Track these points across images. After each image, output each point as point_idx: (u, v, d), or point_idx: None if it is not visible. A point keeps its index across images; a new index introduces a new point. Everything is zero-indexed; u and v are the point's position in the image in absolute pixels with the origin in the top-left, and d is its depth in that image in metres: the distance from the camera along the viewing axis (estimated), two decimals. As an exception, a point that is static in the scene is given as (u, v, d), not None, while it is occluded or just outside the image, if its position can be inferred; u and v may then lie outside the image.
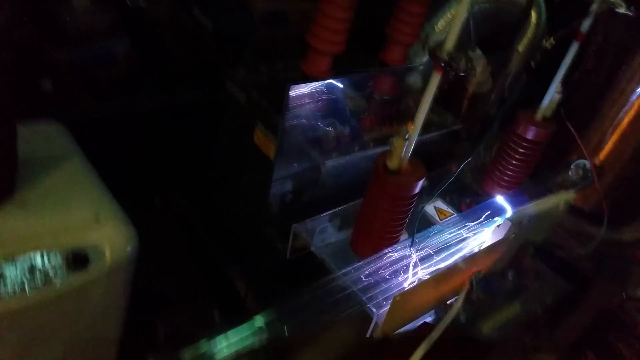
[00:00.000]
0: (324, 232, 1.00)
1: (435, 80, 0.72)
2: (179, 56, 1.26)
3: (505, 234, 0.91)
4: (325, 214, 1.02)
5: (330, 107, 1.19)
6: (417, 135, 0.77)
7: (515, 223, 0.91)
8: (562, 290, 1.11)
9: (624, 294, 1.72)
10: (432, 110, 1.31)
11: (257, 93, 1.16)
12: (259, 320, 0.74)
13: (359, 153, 1.09)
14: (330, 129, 1.09)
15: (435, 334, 0.87)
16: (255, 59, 1.29)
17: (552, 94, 1.05)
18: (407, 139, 0.76)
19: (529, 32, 1.44)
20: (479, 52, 1.40)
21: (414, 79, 1.43)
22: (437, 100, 0.96)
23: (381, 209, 0.83)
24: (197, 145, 1.35)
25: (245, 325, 0.73)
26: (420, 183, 0.82)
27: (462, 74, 0.70)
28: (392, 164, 0.79)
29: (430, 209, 1.10)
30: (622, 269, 1.35)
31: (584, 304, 1.46)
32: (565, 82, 1.05)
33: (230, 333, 0.71)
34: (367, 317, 0.89)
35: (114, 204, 0.74)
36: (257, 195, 1.19)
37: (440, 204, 1.12)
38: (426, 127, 0.83)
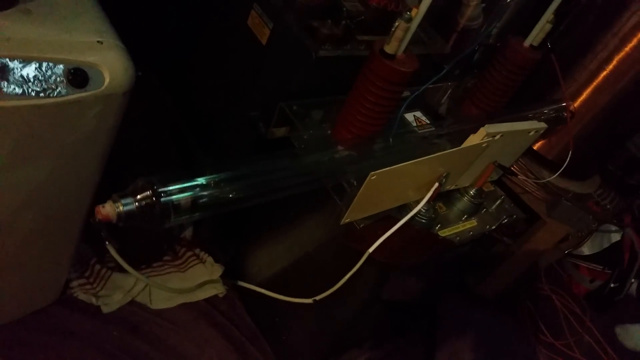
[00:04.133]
0: (307, 117, 1.07)
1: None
2: None
3: (479, 142, 1.01)
4: (310, 100, 1.09)
5: (327, 3, 1.23)
6: (418, 22, 0.84)
7: (490, 132, 1.01)
8: (518, 216, 1.23)
9: (565, 252, 1.91)
10: (422, 28, 1.38)
11: (259, -28, 1.19)
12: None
13: (351, 51, 1.15)
14: (328, 21, 1.14)
15: (400, 222, 0.97)
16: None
17: (543, 22, 1.13)
18: (410, 23, 0.82)
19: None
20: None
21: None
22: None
23: (370, 92, 0.91)
24: (178, 19, 1.37)
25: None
26: (410, 73, 0.90)
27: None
28: (390, 48, 0.86)
29: (410, 116, 1.19)
30: (572, 212, 1.50)
31: (529, 243, 1.62)
32: (557, 13, 1.14)
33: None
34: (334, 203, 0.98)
35: (116, 36, 0.78)
36: (244, 79, 1.25)
37: (419, 113, 1.20)
38: (415, 42, 0.89)
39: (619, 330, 2.01)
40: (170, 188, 0.68)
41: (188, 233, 1.34)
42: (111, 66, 0.74)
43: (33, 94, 0.67)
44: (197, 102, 1.39)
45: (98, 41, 0.75)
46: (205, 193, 0.72)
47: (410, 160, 0.90)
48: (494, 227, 1.17)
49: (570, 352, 1.83)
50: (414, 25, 0.84)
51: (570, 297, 2.05)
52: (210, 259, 1.31)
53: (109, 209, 0.64)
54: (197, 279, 1.27)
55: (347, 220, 0.98)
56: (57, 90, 0.70)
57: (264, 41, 1.19)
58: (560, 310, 1.97)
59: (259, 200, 0.81)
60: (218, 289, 1.30)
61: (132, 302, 1.18)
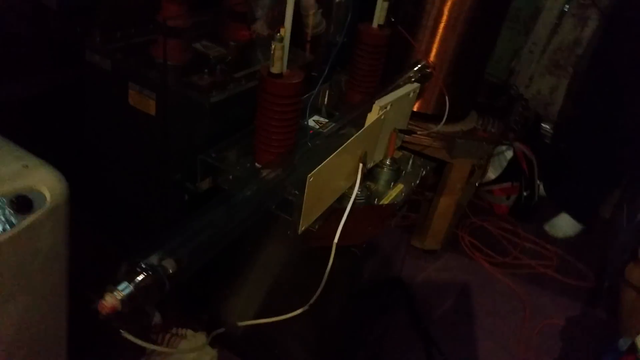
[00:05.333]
0: (225, 160, 1.15)
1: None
2: (26, 41, 1.29)
3: (377, 116, 1.15)
4: (220, 144, 1.18)
5: (194, 58, 1.33)
6: (289, 38, 0.96)
7: (381, 106, 1.16)
8: (430, 166, 1.40)
9: (477, 184, 2.14)
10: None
11: (122, 55, 1.25)
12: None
13: (235, 88, 1.25)
14: (205, 71, 1.24)
15: (348, 206, 1.09)
16: (103, 29, 1.37)
17: (381, 3, 1.32)
18: (282, 42, 0.94)
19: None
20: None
21: (260, 25, 1.63)
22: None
23: (274, 111, 1.01)
24: (63, 132, 1.39)
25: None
26: (300, 84, 1.02)
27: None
28: (275, 68, 0.97)
29: (310, 123, 1.32)
30: (468, 146, 1.72)
31: (446, 188, 1.82)
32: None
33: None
34: (285, 221, 1.07)
35: (34, 156, 0.81)
36: (150, 153, 1.30)
37: (316, 117, 1.34)
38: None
39: (547, 227, 2.28)
40: (153, 257, 0.73)
41: (157, 319, 1.35)
42: (46, 182, 0.78)
43: (-11, 234, 0.69)
44: (110, 198, 1.41)
45: (23, 166, 0.78)
46: (183, 250, 0.78)
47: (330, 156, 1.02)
48: (418, 182, 1.33)
49: (519, 262, 2.05)
50: (287, 42, 0.97)
51: (497, 219, 2.29)
52: (189, 331, 1.33)
53: (111, 300, 0.68)
54: (186, 355, 1.28)
55: (303, 228, 1.07)
56: (9, 222, 0.72)
57: (152, 112, 1.26)
58: (496, 233, 2.20)
59: (228, 240, 0.88)
60: (210, 354, 1.33)
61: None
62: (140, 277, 0.70)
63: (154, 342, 1.31)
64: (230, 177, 1.17)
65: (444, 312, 1.75)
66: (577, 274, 2.05)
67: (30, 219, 0.75)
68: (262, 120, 1.05)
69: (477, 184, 2.24)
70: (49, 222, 0.78)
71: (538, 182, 2.32)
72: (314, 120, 1.32)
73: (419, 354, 1.57)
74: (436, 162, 1.62)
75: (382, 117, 1.18)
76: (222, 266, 1.27)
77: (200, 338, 1.32)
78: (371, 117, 1.15)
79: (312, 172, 0.97)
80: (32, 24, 1.31)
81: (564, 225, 2.26)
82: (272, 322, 1.13)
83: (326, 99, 1.52)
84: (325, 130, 1.26)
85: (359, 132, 1.11)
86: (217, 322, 1.32)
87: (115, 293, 0.68)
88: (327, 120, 1.31)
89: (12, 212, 0.73)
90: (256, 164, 1.14)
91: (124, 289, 0.69)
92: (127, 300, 0.69)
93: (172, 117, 1.21)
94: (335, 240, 1.03)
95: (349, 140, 1.07)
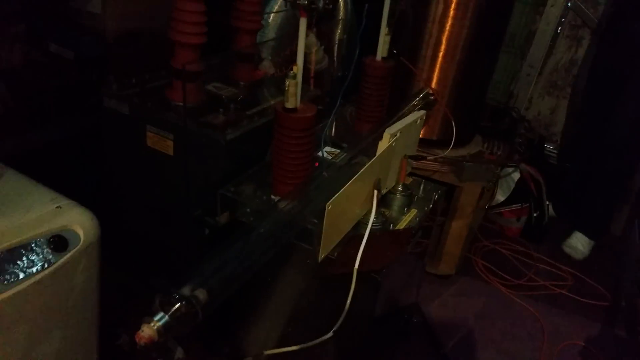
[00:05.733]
0: (243, 194, 1.20)
1: (303, 24, 0.97)
2: (45, 93, 1.35)
3: (388, 144, 1.20)
4: (237, 179, 1.22)
5: (207, 99, 1.39)
6: (301, 74, 1.02)
7: (392, 133, 1.20)
8: (441, 190, 1.44)
9: (486, 207, 2.17)
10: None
11: (139, 99, 1.31)
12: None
13: (249, 124, 1.31)
14: (220, 111, 1.29)
15: (367, 231, 1.12)
16: (118, 76, 1.43)
17: (383, 36, 1.38)
18: (295, 78, 1.00)
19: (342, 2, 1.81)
20: (312, 37, 1.73)
21: (267, 65, 1.70)
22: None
23: (290, 144, 1.06)
24: (85, 175, 1.43)
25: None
26: (314, 117, 1.07)
27: (322, 12, 0.97)
28: (290, 103, 1.03)
29: (324, 153, 1.37)
30: (476, 169, 1.76)
31: (457, 212, 1.85)
32: (389, 25, 1.40)
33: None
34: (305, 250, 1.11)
35: (65, 197, 0.86)
36: (171, 191, 1.34)
37: (328, 148, 1.39)
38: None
39: (565, 249, 2.29)
40: (185, 289, 0.76)
41: (180, 354, 1.37)
42: (79, 222, 0.82)
43: (31, 272, 0.73)
44: (133, 236, 1.45)
45: (57, 207, 0.83)
46: (212, 281, 0.81)
47: (346, 184, 1.06)
48: (431, 206, 1.36)
49: (534, 283, 2.06)
50: (299, 78, 1.02)
51: (509, 241, 2.31)
52: (213, 364, 1.34)
53: (148, 331, 0.71)
54: (212, 388, 1.30)
55: (323, 256, 1.10)
56: (47, 260, 0.76)
57: (170, 152, 1.31)
58: (509, 256, 2.22)
59: (253, 270, 0.91)
60: (234, 387, 1.34)
61: None
62: (175, 307, 0.73)
63: (179, 378, 1.32)
64: (248, 210, 1.21)
65: (462, 337, 1.76)
66: (593, 293, 2.06)
67: (66, 257, 0.79)
68: (279, 154, 1.10)
69: (486, 207, 2.28)
70: (83, 260, 0.82)
71: (547, 202, 2.35)
72: (325, 151, 1.37)
73: (441, 380, 1.58)
74: (446, 187, 1.66)
75: (393, 144, 1.22)
76: (243, 297, 1.30)
77: (224, 372, 1.33)
78: (382, 145, 1.20)
79: (331, 200, 1.01)
80: (52, 76, 1.37)
81: (580, 245, 2.27)
82: (295, 351, 1.15)
83: (333, 131, 1.57)
84: (338, 160, 1.30)
85: (373, 159, 1.16)
86: (238, 354, 1.34)
87: (152, 324, 0.71)
88: (338, 151, 1.35)
89: (50, 251, 0.77)
90: (272, 196, 1.18)
91: (160, 319, 0.72)
92: (164, 330, 0.72)
93: (191, 156, 1.26)
94: (356, 266, 1.06)
95: (364, 168, 1.11)
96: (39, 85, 1.34)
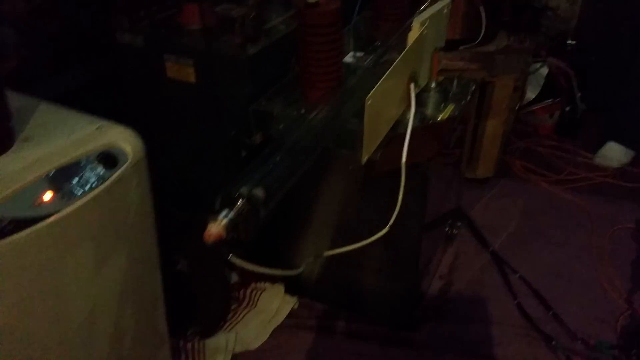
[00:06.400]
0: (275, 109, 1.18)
1: None
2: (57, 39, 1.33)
3: (419, 32, 1.16)
4: (266, 94, 1.20)
5: (219, 22, 1.34)
6: (322, -36, 0.97)
7: (421, 22, 1.16)
8: (475, 84, 1.40)
9: (517, 107, 2.11)
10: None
11: (152, 29, 1.28)
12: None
13: (268, 39, 1.27)
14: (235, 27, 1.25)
15: (409, 125, 1.10)
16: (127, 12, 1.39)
17: None
18: (317, -32, 0.95)
19: None
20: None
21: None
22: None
23: (316, 43, 1.03)
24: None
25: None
26: (338, 9, 1.03)
27: None
28: (313, -2, 0.99)
29: (349, 59, 1.33)
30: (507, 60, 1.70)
31: (491, 111, 1.81)
32: None
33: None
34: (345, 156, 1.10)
35: (103, 118, 0.85)
36: (200, 118, 1.33)
37: (352, 53, 1.35)
38: None
39: (598, 159, 2.13)
40: (244, 188, 0.76)
41: (235, 277, 1.40)
42: (124, 139, 0.81)
43: (87, 188, 0.73)
44: (170, 172, 1.45)
45: (97, 128, 0.82)
46: (266, 181, 0.80)
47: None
48: (468, 98, 1.33)
49: (576, 176, 2.03)
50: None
51: (543, 139, 2.26)
52: (267, 284, 1.37)
53: (216, 228, 0.70)
54: (270, 305, 1.33)
55: (366, 157, 1.09)
56: (99, 176, 0.76)
57: (192, 79, 1.28)
58: (545, 153, 2.18)
59: (298, 174, 0.90)
60: (290, 303, 1.37)
61: (235, 356, 1.24)
62: (238, 204, 0.73)
63: (237, 299, 1.35)
64: (281, 126, 1.19)
65: (509, 234, 1.75)
66: (636, 177, 2.02)
67: (118, 173, 0.78)
68: (305, 57, 1.07)
69: (517, 107, 2.23)
70: (135, 176, 0.82)
71: (578, 95, 2.28)
72: (351, 56, 1.33)
73: (492, 275, 1.58)
74: (479, 82, 1.61)
75: (425, 31, 1.18)
76: (289, 215, 1.30)
77: (279, 288, 1.35)
78: (413, 35, 1.15)
79: (370, 94, 0.98)
80: (59, 20, 1.34)
81: (614, 154, 2.13)
82: (344, 260, 1.15)
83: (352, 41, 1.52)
84: (366, 62, 1.26)
85: (405, 49, 1.12)
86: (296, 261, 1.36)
87: (218, 221, 0.71)
88: (365, 54, 1.31)
89: (101, 168, 0.76)
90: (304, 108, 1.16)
91: (225, 216, 0.72)
92: (230, 226, 0.72)
93: (215, 79, 1.24)
94: (404, 159, 1.04)
95: (398, 59, 1.07)
96: (48, 31, 1.32)
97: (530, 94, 2.24)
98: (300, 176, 0.91)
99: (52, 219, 0.68)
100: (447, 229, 1.70)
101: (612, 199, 1.91)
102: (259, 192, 0.77)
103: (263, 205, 0.77)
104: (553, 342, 1.34)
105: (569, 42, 2.67)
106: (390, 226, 1.06)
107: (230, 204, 0.73)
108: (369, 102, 0.99)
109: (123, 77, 1.39)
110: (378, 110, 1.06)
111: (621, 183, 1.99)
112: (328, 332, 1.36)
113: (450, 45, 1.73)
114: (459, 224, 1.74)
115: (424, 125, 1.15)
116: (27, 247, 0.68)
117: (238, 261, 0.77)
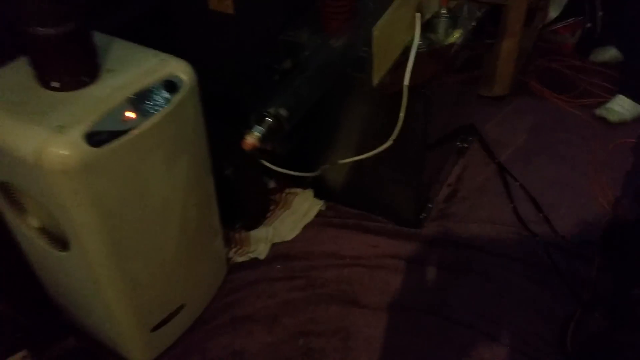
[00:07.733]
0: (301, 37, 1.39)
1: None
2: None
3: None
4: (294, 23, 1.41)
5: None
6: None
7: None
8: (485, 9, 1.55)
9: (539, 27, 2.21)
10: None
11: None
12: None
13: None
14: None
15: (413, 50, 1.30)
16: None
17: None
18: None
19: None
20: None
21: None
22: None
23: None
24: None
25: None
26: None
27: None
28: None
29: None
30: None
31: (507, 32, 1.95)
32: None
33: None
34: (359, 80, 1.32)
35: (162, 52, 1.09)
36: (236, 49, 1.55)
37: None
38: None
39: (601, 112, 2.05)
40: (272, 109, 1.01)
41: (272, 184, 1.69)
42: (180, 69, 1.07)
43: (159, 108, 1.00)
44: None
45: (160, 59, 1.07)
46: (289, 102, 1.05)
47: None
48: (474, 24, 1.50)
49: (589, 93, 2.16)
50: None
51: (565, 57, 2.36)
52: (299, 190, 1.66)
53: (251, 139, 0.97)
54: (301, 206, 1.62)
55: (377, 80, 1.31)
56: (165, 99, 1.02)
57: (231, 11, 1.50)
58: (563, 70, 2.28)
59: (317, 95, 1.14)
60: (318, 205, 1.66)
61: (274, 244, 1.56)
62: (268, 120, 0.99)
63: (274, 202, 1.65)
64: (307, 52, 1.41)
65: (516, 148, 1.94)
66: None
67: (179, 96, 1.05)
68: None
69: (540, 27, 2.33)
70: (191, 99, 1.08)
71: (600, 14, 2.33)
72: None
73: (495, 184, 1.80)
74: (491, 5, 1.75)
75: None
76: (312, 130, 1.55)
77: (309, 193, 1.64)
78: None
79: (375, 25, 1.19)
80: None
81: (620, 108, 2.04)
82: (362, 169, 1.38)
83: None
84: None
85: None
86: (318, 179, 1.63)
87: (253, 133, 0.98)
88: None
89: (166, 92, 1.03)
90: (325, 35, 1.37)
91: (258, 129, 0.98)
92: (262, 137, 0.98)
93: (251, 11, 1.45)
94: (406, 82, 1.26)
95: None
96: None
97: (553, 13, 2.33)
98: (320, 97, 1.16)
99: (135, 131, 0.96)
100: (458, 143, 1.92)
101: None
102: (282, 112, 1.02)
103: (287, 121, 1.02)
104: (537, 238, 1.59)
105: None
106: (395, 140, 1.30)
107: (261, 121, 0.99)
108: (376, 33, 1.20)
109: (171, 10, 1.62)
110: (386, 38, 1.26)
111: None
112: (348, 228, 1.65)
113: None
114: (470, 138, 1.95)
115: (427, 51, 1.35)
116: (119, 152, 0.96)
117: (269, 165, 1.04)
